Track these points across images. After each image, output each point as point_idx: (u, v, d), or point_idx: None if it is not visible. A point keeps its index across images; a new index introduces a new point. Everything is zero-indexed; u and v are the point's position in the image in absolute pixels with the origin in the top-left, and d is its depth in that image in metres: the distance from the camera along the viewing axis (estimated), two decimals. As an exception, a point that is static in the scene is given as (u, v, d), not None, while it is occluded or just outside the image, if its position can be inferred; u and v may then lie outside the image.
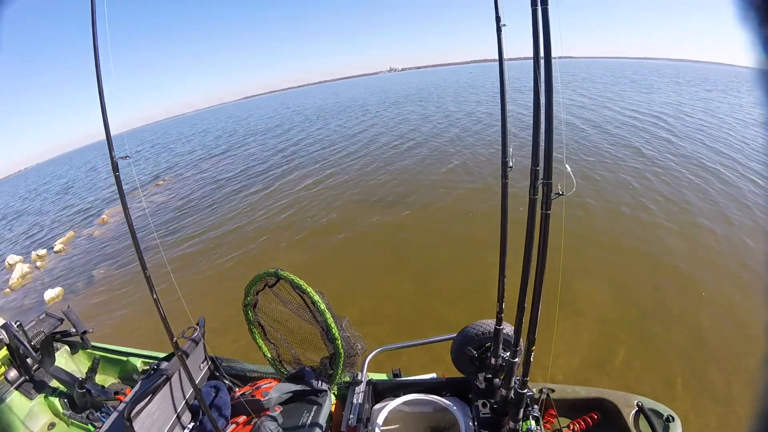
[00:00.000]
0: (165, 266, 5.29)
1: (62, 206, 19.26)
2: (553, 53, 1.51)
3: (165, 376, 2.43)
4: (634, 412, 2.42)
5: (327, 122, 28.54)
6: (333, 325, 2.37)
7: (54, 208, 19.56)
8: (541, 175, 1.64)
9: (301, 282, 2.38)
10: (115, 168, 1.71)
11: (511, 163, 2.14)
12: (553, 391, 2.54)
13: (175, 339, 1.79)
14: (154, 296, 1.73)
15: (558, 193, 1.61)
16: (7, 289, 9.69)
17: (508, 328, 2.45)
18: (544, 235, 1.65)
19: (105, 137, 1.69)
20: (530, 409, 2.05)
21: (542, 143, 1.61)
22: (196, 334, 2.76)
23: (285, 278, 2.43)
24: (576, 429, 2.50)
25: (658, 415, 2.36)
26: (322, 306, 2.34)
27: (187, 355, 1.95)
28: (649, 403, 2.44)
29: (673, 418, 2.33)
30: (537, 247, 1.69)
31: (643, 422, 2.35)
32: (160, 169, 21.96)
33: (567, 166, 1.62)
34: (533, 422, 1.98)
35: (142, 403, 2.27)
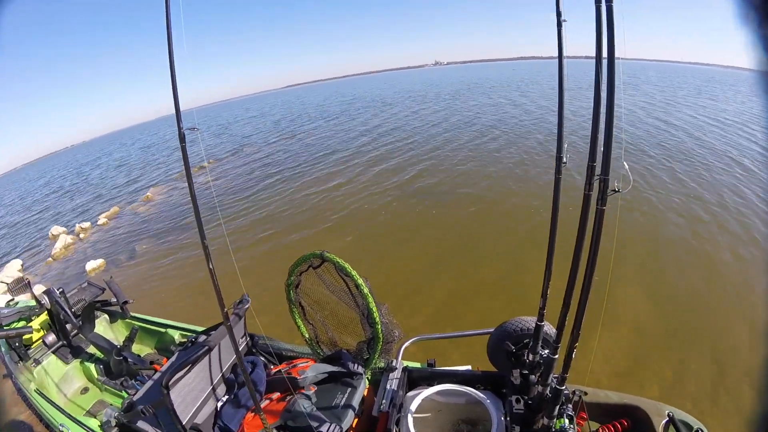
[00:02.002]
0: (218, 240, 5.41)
1: (109, 183, 20.00)
2: (617, 51, 1.49)
3: (207, 347, 2.52)
4: (664, 422, 2.37)
5: (393, 110, 27.78)
6: (375, 309, 2.40)
7: (102, 183, 20.33)
8: (598, 171, 1.63)
9: (346, 265, 2.43)
10: (182, 139, 1.77)
11: (565, 159, 2.12)
12: (585, 393, 2.50)
13: (225, 309, 1.85)
14: (210, 266, 1.79)
15: (614, 190, 1.59)
16: (50, 259, 10.14)
17: (548, 327, 2.43)
18: (597, 231, 1.64)
19: (174, 107, 1.74)
20: (565, 407, 2.03)
21: (601, 138, 1.59)
22: (240, 309, 2.85)
23: (330, 260, 2.48)
24: (605, 434, 2.47)
25: (688, 427, 2.31)
26: (366, 290, 2.38)
27: (231, 328, 2.02)
28: (680, 414, 2.38)
29: (702, 431, 2.28)
30: (589, 242, 1.68)
31: None
32: (222, 149, 22.25)
33: (625, 163, 1.61)
34: (567, 420, 1.96)
35: (181, 373, 2.35)
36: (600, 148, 1.60)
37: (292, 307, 2.97)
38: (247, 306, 2.86)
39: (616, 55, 1.48)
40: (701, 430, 2.28)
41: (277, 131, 25.24)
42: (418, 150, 14.13)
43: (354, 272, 2.40)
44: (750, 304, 4.89)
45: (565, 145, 2.10)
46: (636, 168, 9.65)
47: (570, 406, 2.16)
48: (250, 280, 6.40)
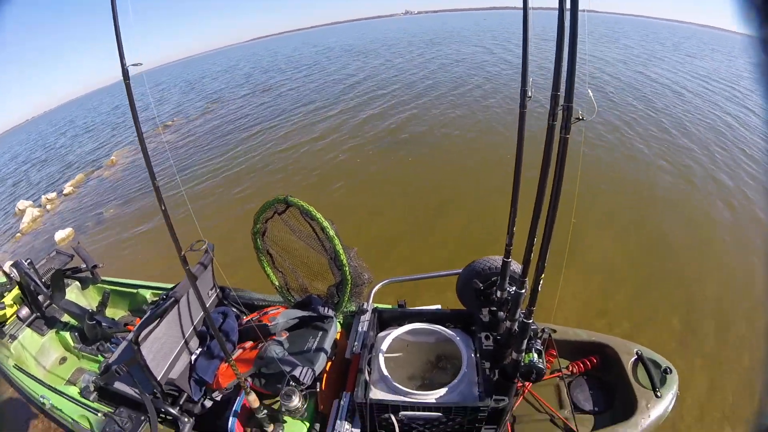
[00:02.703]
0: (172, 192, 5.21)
1: (71, 151, 19.22)
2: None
3: (173, 299, 2.47)
4: (633, 360, 2.45)
5: (368, 60, 26.53)
6: (341, 251, 2.37)
7: (62, 153, 19.52)
8: (561, 101, 1.59)
9: (311, 208, 2.37)
10: (126, 75, 1.65)
11: (530, 93, 2.07)
12: (554, 331, 2.56)
13: (183, 252, 1.77)
14: (163, 207, 1.71)
15: (578, 118, 1.56)
16: (18, 234, 9.83)
17: (515, 265, 2.45)
18: (561, 159, 1.61)
19: (116, 43, 1.61)
20: (533, 342, 2.06)
21: (565, 65, 1.54)
22: (204, 258, 2.78)
23: (294, 204, 2.42)
24: (575, 371, 2.55)
25: (657, 365, 2.39)
26: (331, 232, 2.34)
27: (196, 278, 1.96)
28: (648, 353, 2.47)
29: (670, 370, 2.36)
30: (553, 172, 1.65)
31: (641, 371, 2.39)
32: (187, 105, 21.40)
33: (589, 91, 1.59)
34: (536, 355, 1.99)
35: (150, 327, 2.31)
36: (564, 76, 1.56)
37: (260, 255, 2.92)
38: (211, 255, 2.80)
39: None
40: (669, 368, 2.36)
41: (249, 84, 24.10)
42: (399, 99, 13.82)
43: (319, 215, 2.36)
44: (720, 251, 5.03)
45: (530, 79, 2.06)
46: (612, 113, 9.67)
47: (539, 341, 2.20)
48: (220, 235, 6.33)
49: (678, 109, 10.88)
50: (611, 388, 2.47)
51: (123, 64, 1.67)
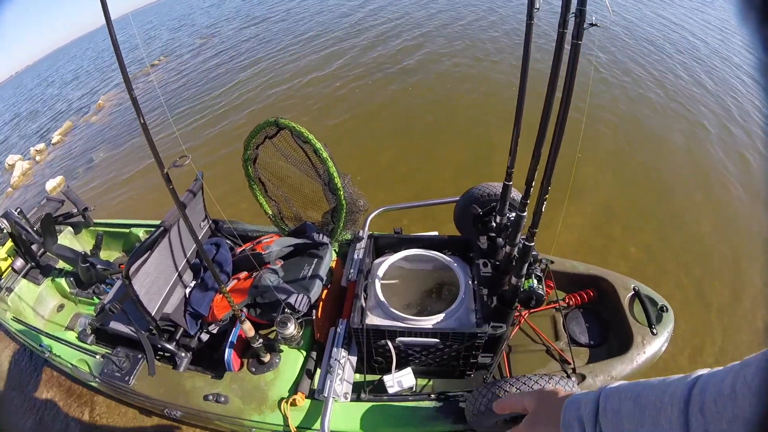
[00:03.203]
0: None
1: (57, 100, 18.68)
2: None
3: (163, 228, 2.39)
4: (630, 295, 2.43)
5: None
6: (335, 174, 2.28)
7: (49, 103, 18.97)
8: (572, 8, 1.45)
9: (303, 129, 2.25)
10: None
11: (538, 4, 1.90)
12: (552, 262, 2.53)
13: (165, 170, 1.63)
14: (142, 120, 1.56)
15: (591, 24, 1.42)
16: (10, 189, 9.69)
17: (515, 193, 2.37)
18: (573, 65, 1.48)
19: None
20: (533, 268, 2.01)
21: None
22: (194, 185, 2.69)
23: (286, 126, 2.30)
24: (571, 303, 2.54)
25: (653, 303, 2.37)
26: (325, 154, 2.23)
27: (185, 206, 1.86)
28: (645, 289, 2.44)
29: (666, 309, 2.34)
30: (564, 81, 1.53)
31: (637, 307, 2.38)
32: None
33: None
34: (535, 281, 1.94)
35: (141, 260, 2.23)
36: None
37: (252, 184, 2.82)
38: (200, 183, 2.70)
39: None
40: (665, 306, 2.34)
41: (241, 18, 22.44)
42: (405, 27, 12.82)
43: (312, 137, 2.24)
44: (721, 198, 4.92)
45: (539, -12, 1.90)
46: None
47: (539, 267, 2.16)
48: (215, 171, 6.25)
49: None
50: (607, 322, 2.47)
51: None
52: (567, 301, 2.55)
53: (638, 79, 7.96)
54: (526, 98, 2.03)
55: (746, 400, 0.49)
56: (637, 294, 2.42)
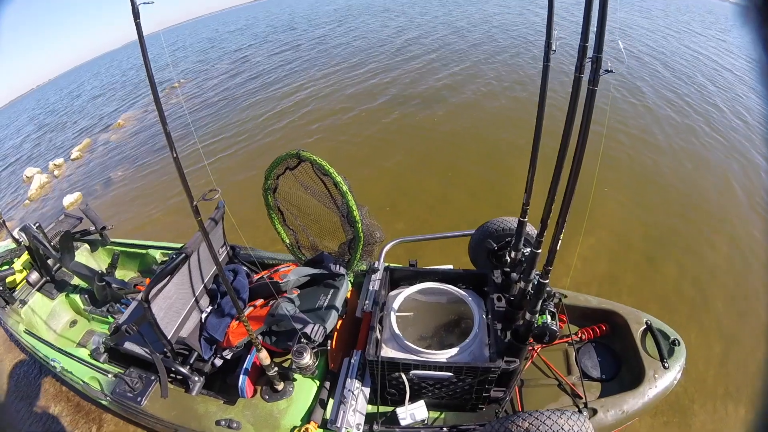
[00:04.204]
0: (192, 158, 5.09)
1: (78, 115, 19.06)
2: None
3: (184, 255, 2.45)
4: (642, 329, 2.44)
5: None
6: (354, 207, 2.33)
7: (69, 118, 19.38)
8: (589, 53, 1.51)
9: (324, 163, 2.32)
10: (136, 14, 1.57)
11: (554, 47, 1.98)
12: (565, 296, 2.54)
13: (195, 202, 1.73)
14: (174, 155, 1.65)
15: (607, 70, 1.48)
16: (27, 201, 9.83)
17: (530, 228, 2.40)
18: (588, 111, 1.54)
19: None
20: (547, 303, 2.03)
21: (595, 13, 1.47)
22: (216, 213, 2.76)
23: (307, 159, 2.37)
24: (584, 337, 2.54)
25: (665, 336, 2.38)
26: (344, 187, 2.29)
27: (204, 226, 1.93)
28: (657, 323, 2.45)
29: (678, 342, 2.34)
30: (578, 128, 1.59)
31: (649, 341, 2.38)
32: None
33: (620, 41, 1.51)
34: (549, 316, 1.96)
35: (161, 284, 2.30)
36: (593, 27, 1.49)
37: (271, 213, 2.89)
38: (222, 210, 2.77)
39: None
40: (677, 340, 2.34)
41: (276, 41, 22.98)
42: (437, 57, 13.01)
43: (332, 170, 2.31)
44: (735, 224, 4.91)
45: (555, 32, 1.97)
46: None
47: (552, 303, 2.18)
48: (233, 195, 6.18)
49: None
50: (619, 357, 2.46)
51: (133, 2, 1.60)
52: (579, 335, 2.56)
53: (656, 107, 8.06)
54: (547, 136, 2.08)
55: None
56: (649, 328, 2.42)
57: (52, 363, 2.87)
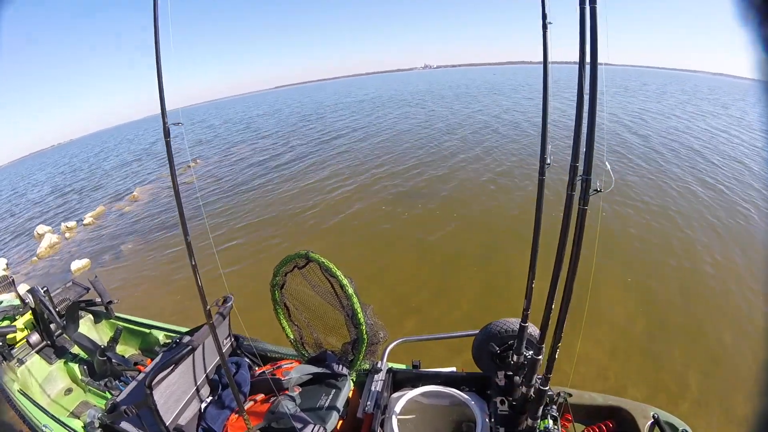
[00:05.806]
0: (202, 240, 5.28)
1: (95, 182, 19.71)
2: (600, 52, 1.52)
3: (190, 347, 2.49)
4: (649, 423, 2.39)
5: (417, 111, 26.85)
6: (359, 309, 2.39)
7: (86, 183, 20.03)
8: (580, 172, 1.65)
9: (331, 265, 2.42)
10: (167, 134, 1.75)
11: (549, 161, 2.14)
12: (570, 395, 2.52)
13: (208, 307, 1.82)
14: (193, 263, 1.76)
15: (596, 190, 1.61)
16: (35, 258, 10.00)
17: (532, 328, 2.44)
18: (580, 231, 1.65)
19: (159, 103, 1.73)
20: (549, 408, 2.03)
21: (584, 138, 1.62)
22: (224, 309, 2.82)
23: (315, 261, 2.47)
24: (590, 436, 2.49)
25: (674, 429, 2.33)
26: (350, 290, 2.37)
27: (215, 328, 2.00)
28: (665, 415, 2.40)
29: None
30: (572, 241, 1.69)
31: None
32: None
33: (606, 162, 1.64)
34: (551, 421, 1.96)
35: (164, 373, 2.33)
36: (582, 149, 1.63)
37: (277, 308, 2.95)
38: (230, 305, 2.83)
39: (600, 58, 1.51)
40: (686, 431, 2.30)
41: (308, 129, 24.33)
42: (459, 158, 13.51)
43: (339, 272, 2.40)
44: (734, 307, 4.94)
45: (549, 147, 2.14)
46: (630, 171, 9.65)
47: (554, 407, 2.17)
48: (235, 281, 6.35)
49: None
50: None
51: (165, 123, 1.78)
52: None
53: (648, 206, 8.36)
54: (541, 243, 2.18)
55: None
56: (656, 421, 2.37)
57: (43, 428, 2.84)
